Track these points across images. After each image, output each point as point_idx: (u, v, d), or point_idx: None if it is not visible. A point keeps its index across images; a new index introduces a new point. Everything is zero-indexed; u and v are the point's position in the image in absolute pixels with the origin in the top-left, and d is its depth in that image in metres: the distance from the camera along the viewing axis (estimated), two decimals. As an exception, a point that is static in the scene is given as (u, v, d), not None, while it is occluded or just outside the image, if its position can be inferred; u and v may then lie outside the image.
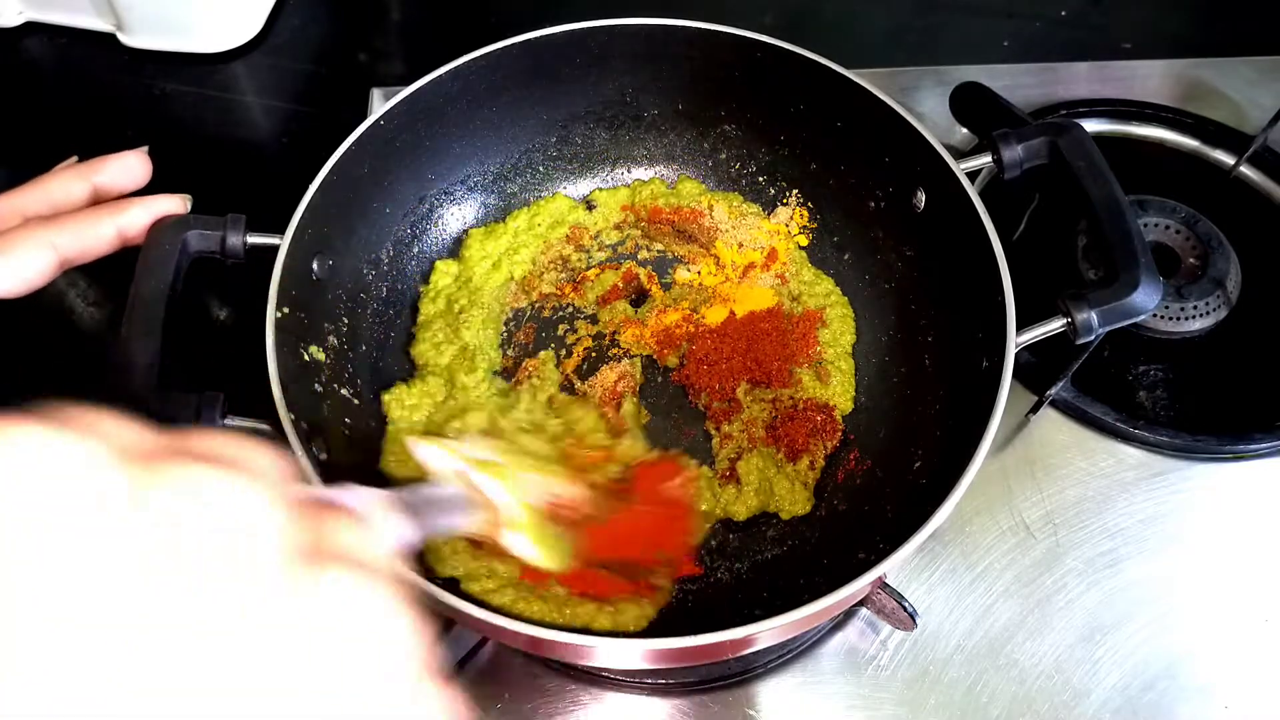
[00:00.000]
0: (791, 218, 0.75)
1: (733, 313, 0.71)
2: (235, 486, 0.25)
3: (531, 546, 0.48)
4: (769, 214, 0.76)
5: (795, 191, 0.75)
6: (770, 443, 0.66)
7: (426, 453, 0.48)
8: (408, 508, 0.37)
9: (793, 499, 0.64)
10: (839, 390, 0.68)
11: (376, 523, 0.33)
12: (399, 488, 0.41)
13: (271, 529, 0.25)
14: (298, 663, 0.24)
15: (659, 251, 0.76)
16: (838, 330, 0.70)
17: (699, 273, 0.74)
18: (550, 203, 0.75)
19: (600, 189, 0.77)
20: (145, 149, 0.58)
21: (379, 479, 0.62)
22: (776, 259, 0.73)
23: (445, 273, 0.72)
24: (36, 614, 0.22)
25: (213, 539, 0.24)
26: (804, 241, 0.74)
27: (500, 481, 0.48)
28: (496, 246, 0.73)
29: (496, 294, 0.72)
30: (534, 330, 0.72)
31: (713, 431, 0.67)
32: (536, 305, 0.73)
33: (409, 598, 0.27)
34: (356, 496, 0.34)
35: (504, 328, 0.72)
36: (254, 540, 0.24)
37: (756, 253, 0.74)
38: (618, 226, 0.76)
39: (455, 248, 0.74)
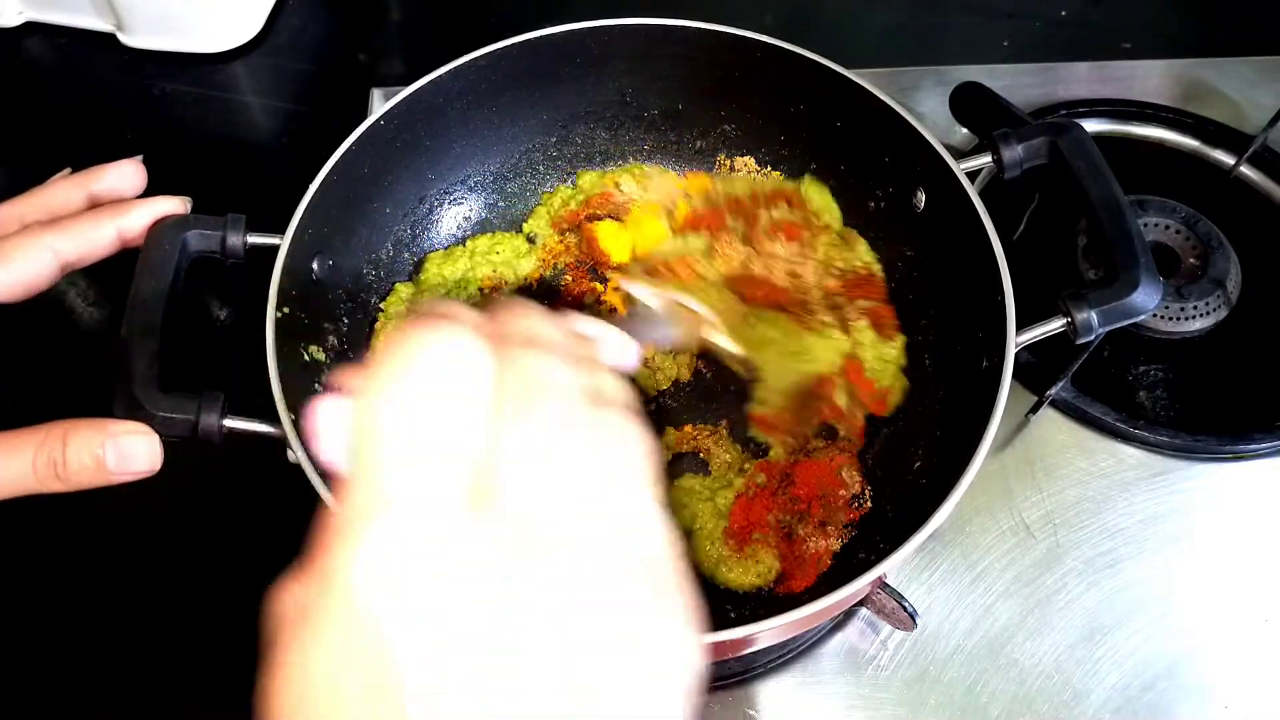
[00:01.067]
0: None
1: None
2: (558, 357, 0.30)
3: (726, 338, 0.62)
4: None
5: (795, 191, 0.75)
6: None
7: (635, 288, 0.63)
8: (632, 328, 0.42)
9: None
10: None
11: (613, 344, 0.37)
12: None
13: (593, 385, 0.30)
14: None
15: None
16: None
17: None
18: (510, 238, 0.74)
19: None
20: (140, 157, 0.58)
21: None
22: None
23: (401, 297, 0.69)
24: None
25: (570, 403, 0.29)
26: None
27: (690, 294, 0.62)
28: (454, 270, 0.71)
29: None
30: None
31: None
32: None
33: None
34: (595, 326, 0.37)
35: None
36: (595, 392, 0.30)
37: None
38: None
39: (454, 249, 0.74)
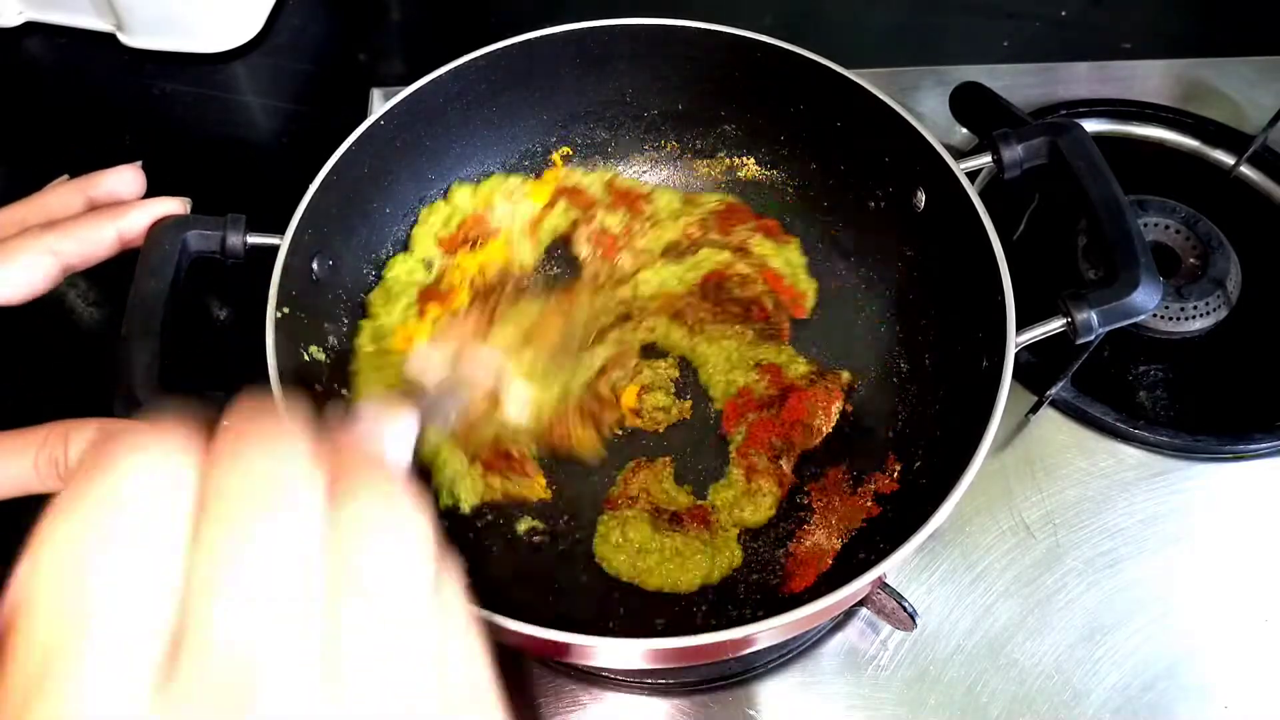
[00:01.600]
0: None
1: None
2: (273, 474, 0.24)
3: (524, 392, 0.57)
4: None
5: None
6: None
7: (418, 359, 0.54)
8: (424, 410, 0.39)
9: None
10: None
11: (384, 437, 0.34)
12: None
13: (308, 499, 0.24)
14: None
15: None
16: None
17: None
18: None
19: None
20: (140, 163, 0.59)
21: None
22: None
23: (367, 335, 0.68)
24: None
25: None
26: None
27: (488, 348, 0.56)
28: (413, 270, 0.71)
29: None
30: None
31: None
32: None
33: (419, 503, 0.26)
34: (365, 422, 0.34)
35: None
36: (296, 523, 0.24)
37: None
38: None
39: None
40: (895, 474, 0.63)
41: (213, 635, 0.22)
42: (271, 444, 0.25)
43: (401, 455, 0.34)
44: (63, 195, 0.55)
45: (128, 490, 0.23)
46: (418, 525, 0.25)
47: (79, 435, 0.46)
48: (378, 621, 0.24)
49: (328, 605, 0.23)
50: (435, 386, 0.51)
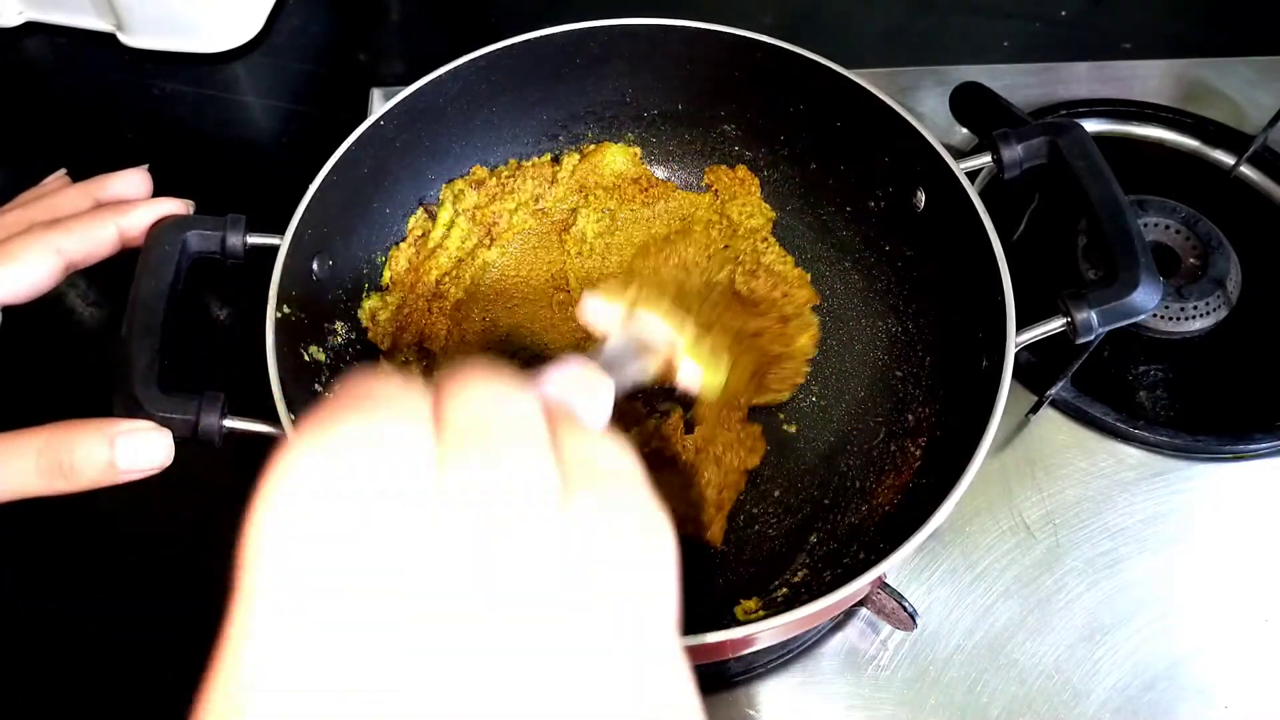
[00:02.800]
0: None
1: None
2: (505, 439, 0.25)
3: (697, 371, 0.55)
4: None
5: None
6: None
7: (594, 308, 0.53)
8: (604, 369, 0.37)
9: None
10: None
11: (588, 403, 0.33)
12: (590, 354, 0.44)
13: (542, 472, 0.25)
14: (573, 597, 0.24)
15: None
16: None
17: None
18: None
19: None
20: (146, 166, 0.59)
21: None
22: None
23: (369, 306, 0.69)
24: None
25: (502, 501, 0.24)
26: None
27: (661, 317, 0.54)
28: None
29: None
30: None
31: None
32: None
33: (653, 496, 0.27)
34: (564, 380, 0.33)
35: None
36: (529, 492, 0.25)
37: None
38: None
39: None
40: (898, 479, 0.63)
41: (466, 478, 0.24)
42: (498, 388, 0.26)
43: (599, 420, 0.33)
44: (71, 197, 0.56)
45: (370, 468, 0.23)
46: (636, 470, 0.27)
47: (84, 435, 0.46)
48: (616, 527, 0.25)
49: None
50: (614, 348, 0.49)
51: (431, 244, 0.71)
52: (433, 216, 0.72)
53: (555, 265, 0.74)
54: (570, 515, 0.25)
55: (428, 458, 0.24)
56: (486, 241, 0.73)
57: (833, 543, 0.62)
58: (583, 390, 0.33)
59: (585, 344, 0.71)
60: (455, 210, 0.72)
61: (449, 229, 0.71)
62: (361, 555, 0.22)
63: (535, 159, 0.75)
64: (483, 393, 0.26)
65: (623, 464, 0.28)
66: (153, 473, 0.48)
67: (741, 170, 0.75)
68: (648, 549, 0.26)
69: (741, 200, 0.74)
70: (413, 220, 0.71)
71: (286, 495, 0.23)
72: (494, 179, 0.74)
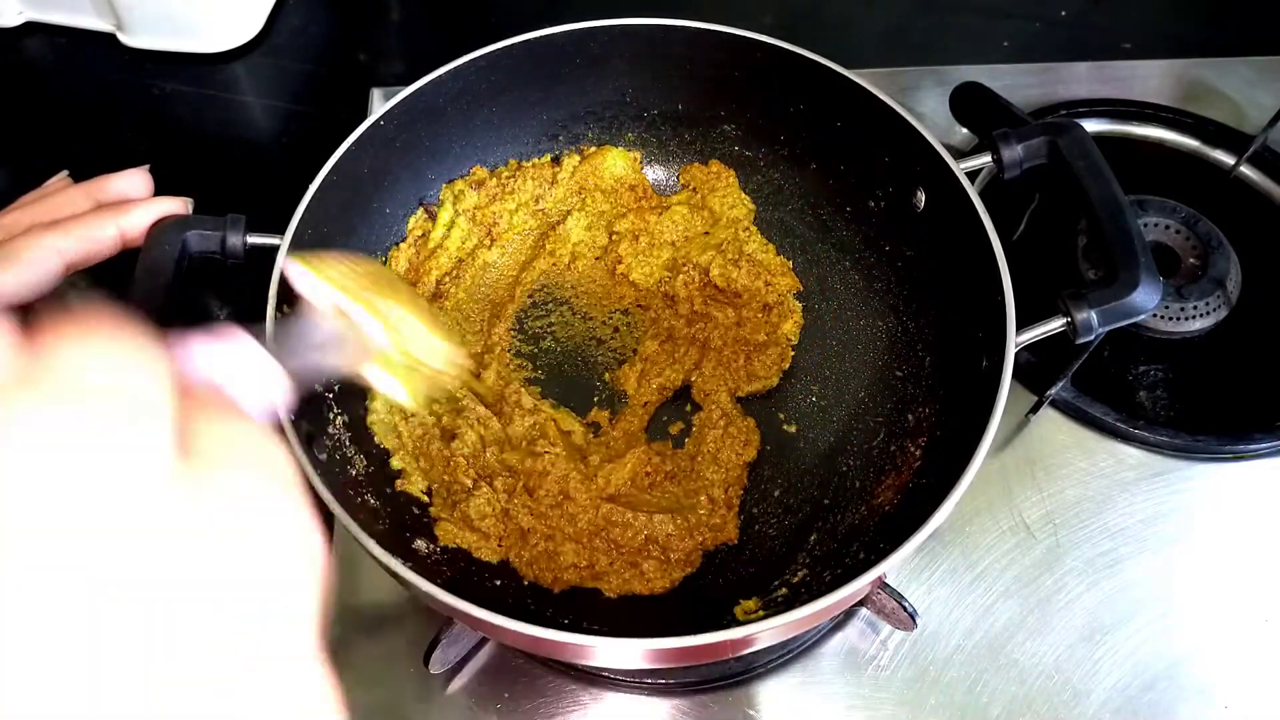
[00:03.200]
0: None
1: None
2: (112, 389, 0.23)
3: (398, 387, 0.47)
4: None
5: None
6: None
7: (301, 279, 0.44)
8: (280, 351, 0.34)
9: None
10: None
11: (245, 387, 0.30)
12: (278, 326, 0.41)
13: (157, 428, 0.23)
14: (186, 579, 0.22)
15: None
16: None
17: None
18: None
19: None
20: (147, 167, 0.59)
21: (377, 472, 0.62)
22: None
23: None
24: None
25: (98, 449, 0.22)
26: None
27: (377, 319, 0.45)
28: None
29: None
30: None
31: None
32: None
33: (299, 486, 0.25)
34: (218, 355, 0.30)
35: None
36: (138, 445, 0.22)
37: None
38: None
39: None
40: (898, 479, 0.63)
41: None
42: (120, 345, 0.24)
43: (258, 408, 0.30)
44: (72, 198, 0.56)
45: None
46: (279, 466, 0.25)
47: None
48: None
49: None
50: (300, 328, 0.44)
51: (432, 244, 0.71)
52: (433, 217, 0.72)
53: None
54: (181, 513, 0.22)
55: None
56: (487, 242, 0.73)
57: (833, 543, 0.62)
58: (241, 371, 0.30)
59: (594, 346, 0.71)
60: (455, 210, 0.72)
61: (449, 229, 0.71)
62: None
63: (535, 160, 0.75)
64: (100, 348, 0.23)
65: (264, 459, 0.25)
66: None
67: (715, 165, 0.76)
68: (272, 552, 0.24)
69: (721, 193, 0.75)
70: (413, 220, 0.71)
71: None
72: (494, 179, 0.74)
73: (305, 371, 0.40)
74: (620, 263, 0.72)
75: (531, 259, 0.73)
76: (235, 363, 0.30)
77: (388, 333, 0.46)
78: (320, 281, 0.44)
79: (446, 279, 0.71)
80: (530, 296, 0.72)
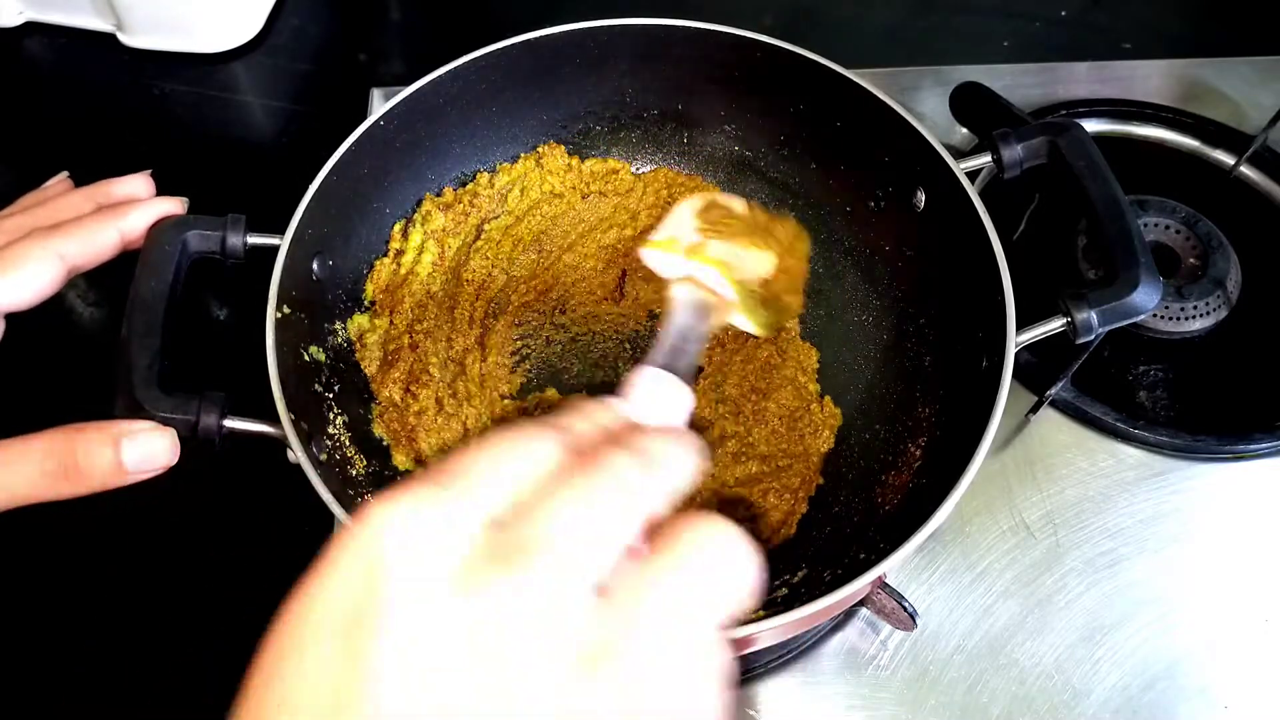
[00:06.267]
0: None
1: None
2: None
3: (750, 323, 0.52)
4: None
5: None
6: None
7: (655, 260, 0.50)
8: (675, 365, 0.38)
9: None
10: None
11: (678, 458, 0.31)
12: (659, 345, 0.42)
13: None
14: None
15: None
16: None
17: None
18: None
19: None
20: (150, 171, 0.59)
21: (377, 473, 0.62)
22: None
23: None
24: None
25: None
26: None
27: (719, 270, 0.50)
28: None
29: None
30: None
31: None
32: None
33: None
34: (649, 399, 0.35)
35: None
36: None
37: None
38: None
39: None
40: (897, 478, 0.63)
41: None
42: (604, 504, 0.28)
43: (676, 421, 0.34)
44: (73, 202, 0.56)
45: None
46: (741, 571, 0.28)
47: (87, 438, 0.46)
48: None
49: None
50: (680, 320, 0.46)
51: (404, 271, 0.69)
52: (405, 235, 0.70)
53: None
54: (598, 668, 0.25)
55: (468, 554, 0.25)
56: (463, 258, 0.71)
57: (833, 543, 0.62)
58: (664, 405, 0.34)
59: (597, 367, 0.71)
60: (425, 233, 0.70)
61: (419, 254, 0.69)
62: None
63: (507, 164, 0.74)
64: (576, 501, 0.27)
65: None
66: (159, 472, 0.48)
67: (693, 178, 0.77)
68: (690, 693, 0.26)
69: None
70: (396, 228, 0.70)
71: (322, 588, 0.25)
72: (463, 197, 0.72)
73: (693, 365, 0.42)
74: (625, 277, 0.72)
75: (523, 267, 0.73)
76: (659, 401, 0.34)
77: (729, 276, 0.50)
78: (669, 255, 0.49)
79: (429, 300, 0.69)
80: (531, 307, 0.72)
